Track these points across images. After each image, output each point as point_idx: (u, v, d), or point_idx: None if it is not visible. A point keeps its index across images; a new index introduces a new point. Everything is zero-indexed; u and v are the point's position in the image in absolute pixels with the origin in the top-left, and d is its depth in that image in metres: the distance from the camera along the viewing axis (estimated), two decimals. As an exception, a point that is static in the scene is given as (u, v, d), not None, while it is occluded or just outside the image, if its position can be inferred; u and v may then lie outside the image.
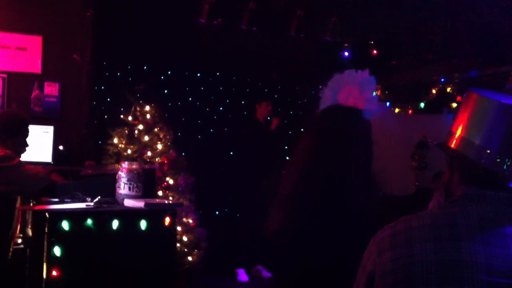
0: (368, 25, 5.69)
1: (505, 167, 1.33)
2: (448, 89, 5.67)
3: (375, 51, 6.03)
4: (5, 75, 4.99)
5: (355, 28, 5.77)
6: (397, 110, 6.33)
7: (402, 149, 6.93)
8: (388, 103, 6.35)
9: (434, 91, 5.85)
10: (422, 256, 1.28)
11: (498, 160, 1.33)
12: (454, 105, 5.91)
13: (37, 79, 5.10)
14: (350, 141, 1.81)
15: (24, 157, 3.52)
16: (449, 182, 1.44)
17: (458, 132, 1.39)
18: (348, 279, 1.48)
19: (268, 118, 5.92)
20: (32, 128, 3.66)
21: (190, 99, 6.23)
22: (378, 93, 6.22)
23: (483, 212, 1.31)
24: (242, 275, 5.64)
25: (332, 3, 5.57)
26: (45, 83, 5.12)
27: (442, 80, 5.76)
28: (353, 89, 1.91)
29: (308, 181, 1.76)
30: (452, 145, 1.39)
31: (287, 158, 5.64)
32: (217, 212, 6.39)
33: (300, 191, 1.77)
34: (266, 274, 5.70)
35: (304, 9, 5.49)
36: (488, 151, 1.33)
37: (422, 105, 6.04)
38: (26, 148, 3.53)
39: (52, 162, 4.71)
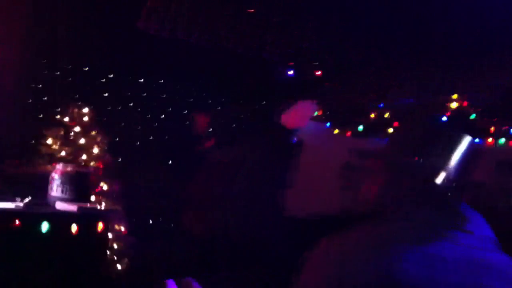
0: (316, 46, 5.77)
1: None
2: (386, 115, 5.84)
3: (318, 72, 6.13)
4: None
5: (300, 47, 5.84)
6: (336, 131, 6.44)
7: (336, 170, 7.03)
8: (328, 124, 6.45)
9: (372, 115, 6.01)
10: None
11: None
12: (391, 130, 6.08)
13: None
14: None
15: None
16: None
17: None
18: None
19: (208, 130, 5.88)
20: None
21: (131, 104, 6.12)
22: (320, 113, 6.31)
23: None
24: (172, 286, 5.53)
25: (275, 21, 5.61)
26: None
27: (381, 105, 5.93)
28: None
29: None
30: None
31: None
32: (150, 221, 6.27)
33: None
34: (196, 285, 5.62)
35: (249, 25, 5.51)
36: None
37: (360, 128, 6.17)
38: None
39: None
